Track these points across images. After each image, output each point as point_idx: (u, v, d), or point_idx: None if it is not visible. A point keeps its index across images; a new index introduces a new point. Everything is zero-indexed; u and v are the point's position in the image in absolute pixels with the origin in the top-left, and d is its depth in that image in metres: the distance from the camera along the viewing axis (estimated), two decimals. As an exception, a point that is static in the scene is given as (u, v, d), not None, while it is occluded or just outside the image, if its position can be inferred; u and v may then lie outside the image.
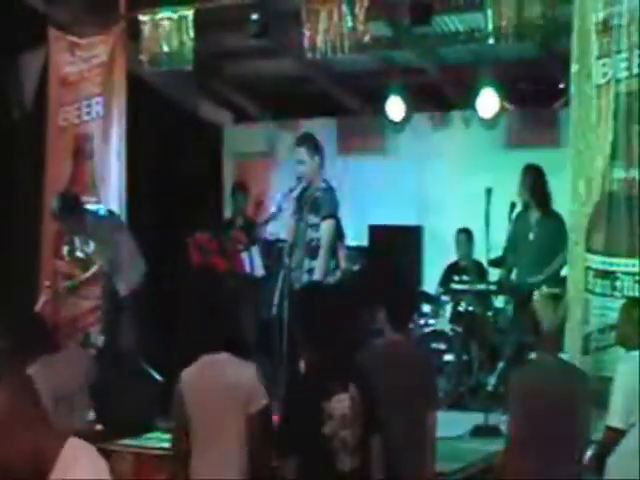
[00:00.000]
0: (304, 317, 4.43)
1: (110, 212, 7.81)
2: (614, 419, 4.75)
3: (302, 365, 6.43)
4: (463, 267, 8.65)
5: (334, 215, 6.86)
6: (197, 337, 4.80)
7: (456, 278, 8.39)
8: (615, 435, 4.74)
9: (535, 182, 7.32)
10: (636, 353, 4.90)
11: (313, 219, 6.89)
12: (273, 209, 7.15)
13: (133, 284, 7.43)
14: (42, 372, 5.21)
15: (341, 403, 4.00)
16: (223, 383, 4.48)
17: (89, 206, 7.76)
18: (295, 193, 6.91)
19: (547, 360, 4.88)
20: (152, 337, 7.59)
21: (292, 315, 6.16)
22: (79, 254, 7.66)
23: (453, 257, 8.88)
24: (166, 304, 8.34)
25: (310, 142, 6.99)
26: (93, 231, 7.48)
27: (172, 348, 8.11)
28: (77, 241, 7.65)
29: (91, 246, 7.58)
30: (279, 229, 7.76)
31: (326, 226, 6.81)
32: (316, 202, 6.89)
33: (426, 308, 8.54)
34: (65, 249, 7.78)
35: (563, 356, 5.31)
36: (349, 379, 4.06)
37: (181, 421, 4.57)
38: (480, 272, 8.34)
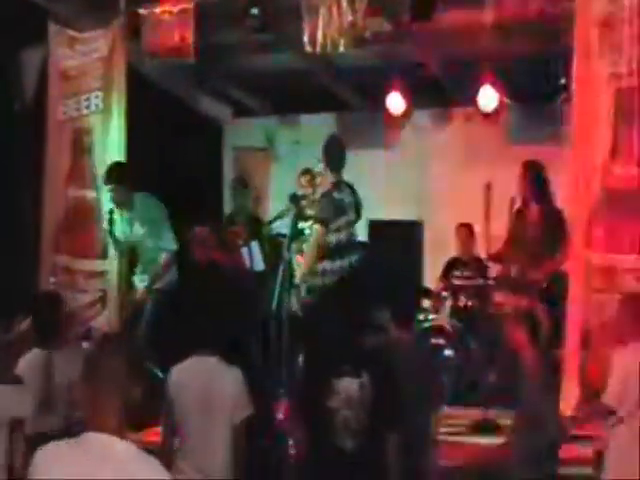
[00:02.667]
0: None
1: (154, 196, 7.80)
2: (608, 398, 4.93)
3: (300, 360, 6.48)
4: (464, 262, 8.66)
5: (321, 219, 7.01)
6: (194, 333, 4.81)
7: (457, 273, 8.39)
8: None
9: (535, 178, 7.32)
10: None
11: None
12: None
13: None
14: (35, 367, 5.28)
15: (350, 385, 4.06)
16: (210, 390, 4.54)
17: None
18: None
19: None
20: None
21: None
22: (120, 235, 7.58)
23: (453, 252, 8.89)
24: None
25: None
26: (139, 211, 7.48)
27: (172, 343, 8.14)
28: (120, 221, 7.54)
29: (135, 227, 7.52)
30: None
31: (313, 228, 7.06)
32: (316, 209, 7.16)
33: (426, 303, 8.55)
34: (105, 225, 7.63)
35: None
36: (363, 367, 4.11)
37: (168, 418, 4.64)
38: (480, 267, 8.34)
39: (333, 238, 7.01)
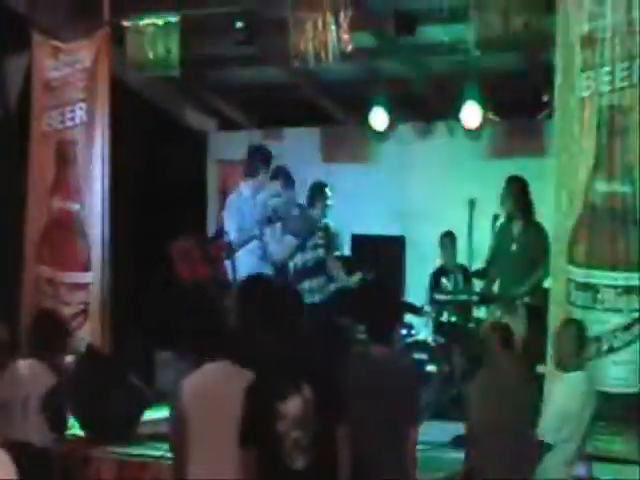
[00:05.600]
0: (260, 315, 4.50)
1: None
2: (546, 435, 5.07)
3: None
4: (450, 270, 8.65)
5: (296, 234, 7.32)
6: (196, 345, 4.80)
7: (444, 281, 8.43)
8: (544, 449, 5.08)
9: (519, 193, 7.38)
10: (573, 375, 5.18)
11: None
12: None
13: None
14: None
15: (295, 404, 4.05)
16: (225, 393, 4.42)
17: None
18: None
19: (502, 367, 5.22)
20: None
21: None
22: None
23: (436, 267, 8.91)
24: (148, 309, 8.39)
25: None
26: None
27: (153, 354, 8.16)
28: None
29: None
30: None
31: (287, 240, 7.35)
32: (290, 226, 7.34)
33: (409, 318, 8.60)
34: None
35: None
36: (303, 380, 4.11)
37: (180, 431, 4.53)
38: (466, 276, 8.38)
39: (300, 258, 7.24)
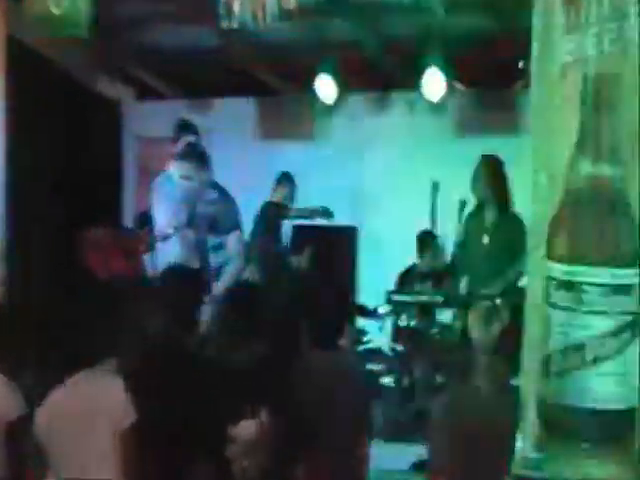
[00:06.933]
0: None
1: None
2: None
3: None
4: (424, 274, 8.64)
5: (238, 226, 7.68)
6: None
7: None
8: None
9: (494, 176, 7.35)
10: None
11: (214, 240, 7.59)
12: (160, 235, 7.69)
13: None
14: None
15: (248, 428, 4.04)
16: (87, 404, 4.44)
17: None
18: (183, 220, 7.57)
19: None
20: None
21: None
22: None
23: (392, 263, 8.92)
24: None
25: (197, 156, 7.69)
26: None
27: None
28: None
29: None
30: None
31: (233, 239, 7.59)
32: (212, 220, 7.60)
33: (363, 323, 8.58)
34: None
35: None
36: (261, 403, 4.10)
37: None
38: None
39: None
